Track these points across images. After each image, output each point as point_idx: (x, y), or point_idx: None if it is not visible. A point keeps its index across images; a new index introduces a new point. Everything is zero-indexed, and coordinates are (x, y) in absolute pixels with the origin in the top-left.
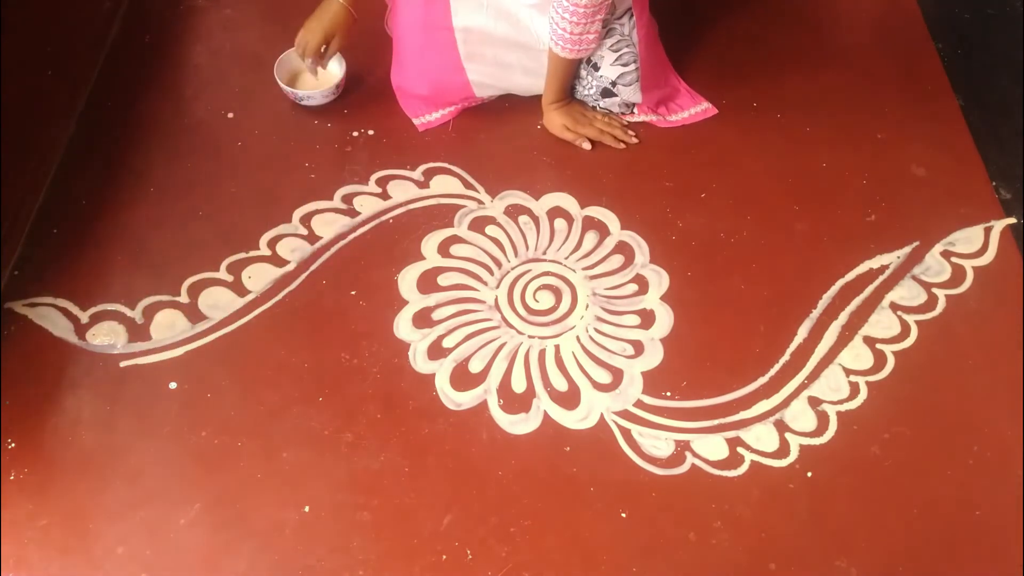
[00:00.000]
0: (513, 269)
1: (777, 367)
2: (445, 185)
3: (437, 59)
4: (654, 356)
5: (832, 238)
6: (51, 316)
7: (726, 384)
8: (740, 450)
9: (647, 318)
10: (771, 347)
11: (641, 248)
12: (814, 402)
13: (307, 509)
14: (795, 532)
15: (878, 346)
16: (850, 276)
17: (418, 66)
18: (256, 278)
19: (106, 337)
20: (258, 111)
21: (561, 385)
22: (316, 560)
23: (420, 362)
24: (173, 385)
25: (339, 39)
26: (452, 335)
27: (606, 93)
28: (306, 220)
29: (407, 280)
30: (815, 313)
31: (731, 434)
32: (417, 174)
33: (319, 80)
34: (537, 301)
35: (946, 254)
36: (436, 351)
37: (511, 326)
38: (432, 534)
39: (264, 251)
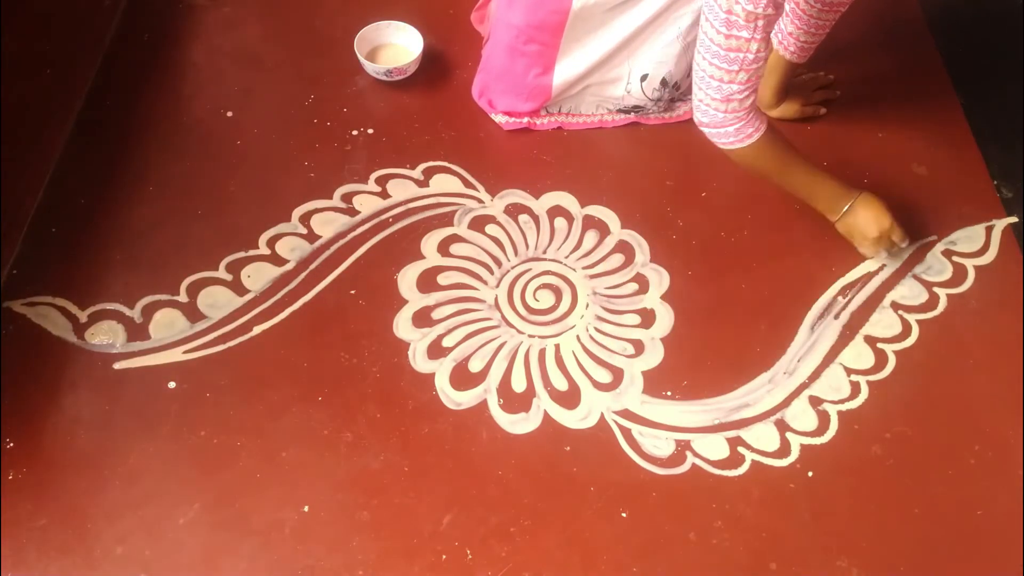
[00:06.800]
0: (513, 268)
1: (778, 366)
2: (445, 184)
3: (531, 59)
4: (654, 355)
5: (833, 237)
6: (50, 315)
7: (727, 383)
8: (741, 449)
9: (647, 317)
10: (772, 346)
11: (641, 247)
12: (815, 401)
13: (307, 509)
14: (796, 532)
15: (879, 345)
16: (851, 275)
17: (510, 64)
18: (255, 277)
19: (105, 336)
20: (257, 110)
21: (561, 384)
22: (316, 560)
23: (420, 361)
24: (172, 384)
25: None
26: (452, 334)
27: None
28: (305, 219)
29: (407, 279)
30: (816, 312)
31: (732, 433)
32: (417, 173)
33: (398, 56)
34: (537, 300)
35: (947, 253)
36: (436, 350)
37: (511, 325)
38: (432, 534)
39: (263, 250)
